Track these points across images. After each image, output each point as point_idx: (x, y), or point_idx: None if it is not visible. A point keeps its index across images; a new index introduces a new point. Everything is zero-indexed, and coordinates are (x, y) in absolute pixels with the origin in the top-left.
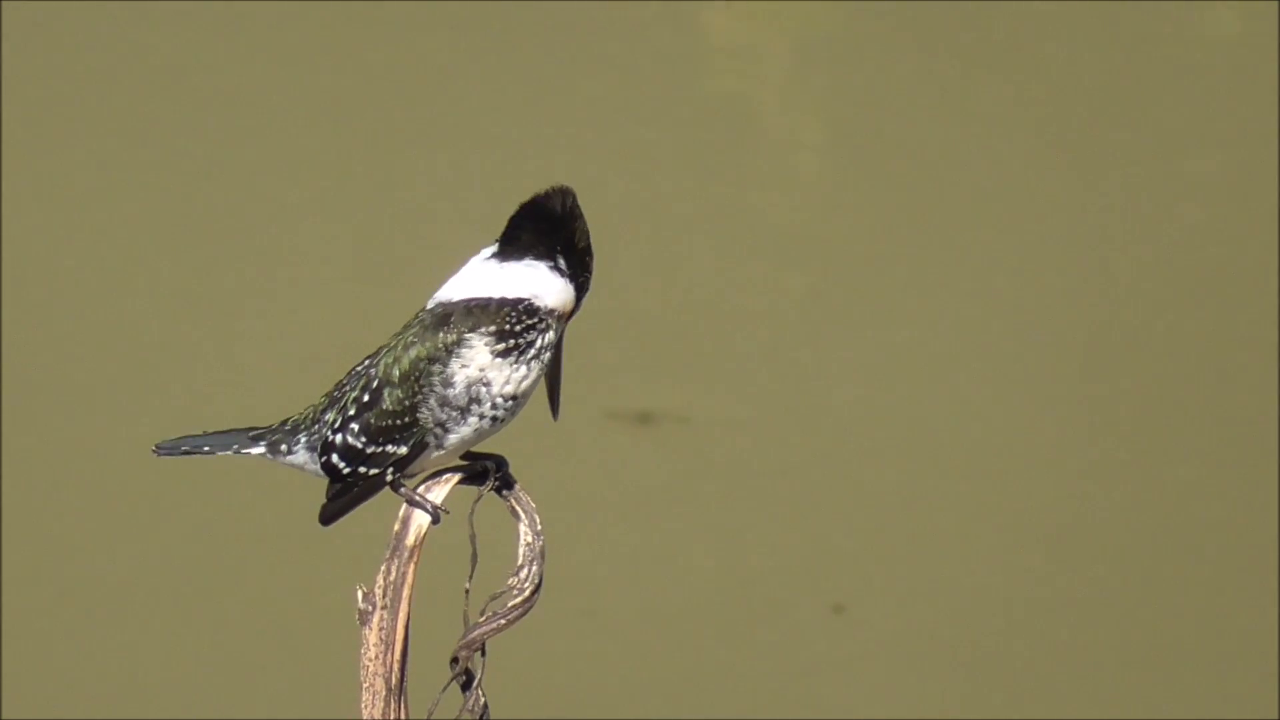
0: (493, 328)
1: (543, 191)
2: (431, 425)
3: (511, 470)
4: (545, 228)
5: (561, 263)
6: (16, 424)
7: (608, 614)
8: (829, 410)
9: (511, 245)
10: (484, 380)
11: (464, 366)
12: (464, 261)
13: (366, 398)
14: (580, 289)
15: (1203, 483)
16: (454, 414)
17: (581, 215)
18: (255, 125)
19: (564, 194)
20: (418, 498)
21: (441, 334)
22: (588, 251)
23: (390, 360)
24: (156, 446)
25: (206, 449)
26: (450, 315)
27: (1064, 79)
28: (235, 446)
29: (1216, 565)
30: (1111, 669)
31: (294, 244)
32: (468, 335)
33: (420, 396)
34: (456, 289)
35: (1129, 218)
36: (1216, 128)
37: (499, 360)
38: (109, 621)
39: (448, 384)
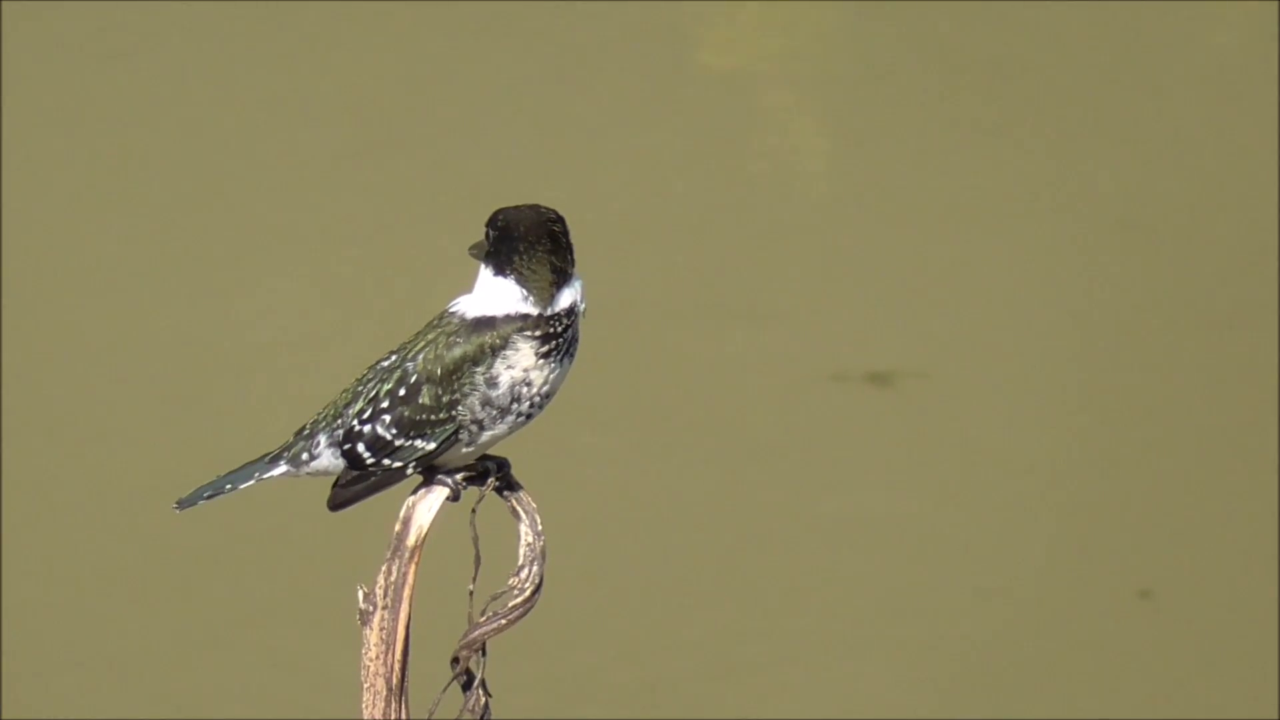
0: (538, 331)
1: (538, 214)
2: (469, 423)
3: (514, 472)
4: (551, 245)
5: (572, 270)
6: (16, 427)
7: (857, 590)
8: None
9: (532, 263)
10: (526, 380)
11: (509, 368)
12: (473, 276)
13: (403, 392)
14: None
15: None
16: (494, 413)
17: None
18: (251, 131)
19: (540, 211)
20: (441, 475)
21: (488, 336)
22: (571, 256)
23: (431, 357)
24: (177, 503)
25: (229, 487)
26: (494, 319)
27: (1063, 81)
28: (256, 475)
29: None
30: None
31: (289, 249)
32: (514, 337)
33: (460, 394)
34: (489, 303)
35: (1069, 224)
36: (1217, 129)
37: (541, 361)
38: (109, 621)
39: (493, 384)
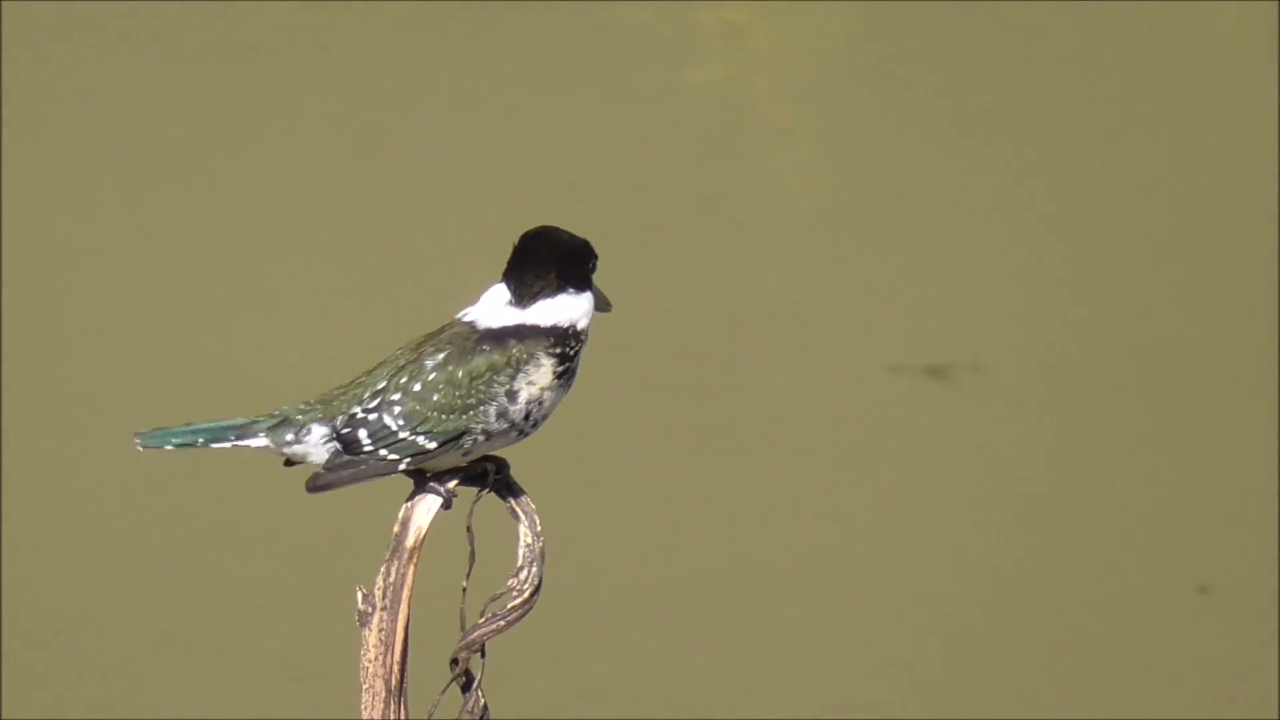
0: (558, 350)
1: (552, 232)
2: (478, 431)
3: (513, 473)
4: (572, 259)
5: (591, 284)
6: (14, 426)
7: (915, 586)
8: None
9: (546, 280)
10: (540, 399)
11: (530, 384)
12: (485, 286)
13: (418, 387)
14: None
15: None
16: (504, 425)
17: (574, 237)
18: (248, 130)
19: (554, 232)
20: (432, 483)
21: (515, 349)
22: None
23: (455, 358)
24: (138, 439)
25: (200, 441)
26: (522, 332)
27: (1062, 81)
28: (233, 438)
29: None
30: None
31: (284, 246)
32: (539, 354)
33: (474, 400)
34: (507, 315)
35: (1123, 217)
36: (1216, 127)
37: (556, 382)
38: (108, 621)
39: (513, 398)
